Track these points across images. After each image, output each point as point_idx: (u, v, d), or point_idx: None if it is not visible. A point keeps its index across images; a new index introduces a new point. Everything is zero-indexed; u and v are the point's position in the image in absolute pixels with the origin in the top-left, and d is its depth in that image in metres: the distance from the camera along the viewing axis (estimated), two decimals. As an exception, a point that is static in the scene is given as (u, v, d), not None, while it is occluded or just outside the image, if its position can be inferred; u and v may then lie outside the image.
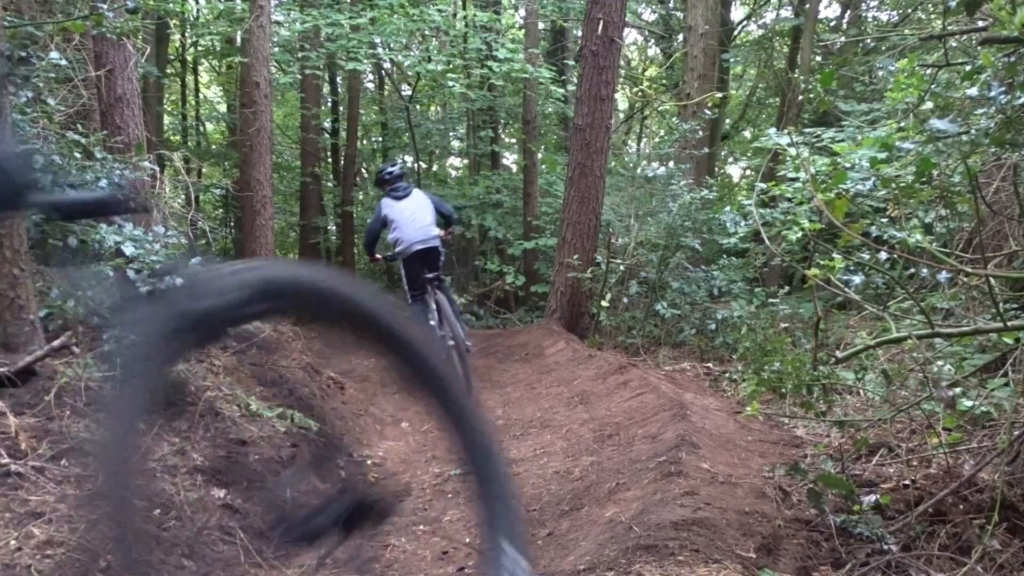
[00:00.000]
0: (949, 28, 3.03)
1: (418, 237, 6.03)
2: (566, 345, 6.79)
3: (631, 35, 15.41)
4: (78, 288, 3.98)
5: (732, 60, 13.08)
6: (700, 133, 9.43)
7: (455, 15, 12.55)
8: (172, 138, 13.46)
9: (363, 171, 15.43)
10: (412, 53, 12.31)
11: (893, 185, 2.59)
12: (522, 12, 13.82)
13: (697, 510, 2.70)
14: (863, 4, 12.13)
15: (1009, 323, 2.47)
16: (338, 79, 13.40)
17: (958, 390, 2.94)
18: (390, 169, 6.53)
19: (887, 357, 3.60)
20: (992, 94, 2.23)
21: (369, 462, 4.51)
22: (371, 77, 14.45)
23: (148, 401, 1.19)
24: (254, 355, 5.17)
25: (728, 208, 6.04)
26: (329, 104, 13.95)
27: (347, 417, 5.17)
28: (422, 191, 6.55)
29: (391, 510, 1.57)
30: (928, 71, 3.40)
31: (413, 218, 6.13)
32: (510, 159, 15.04)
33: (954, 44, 3.76)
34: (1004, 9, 2.21)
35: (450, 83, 10.99)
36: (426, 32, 12.39)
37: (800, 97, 9.61)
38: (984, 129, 2.29)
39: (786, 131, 3.75)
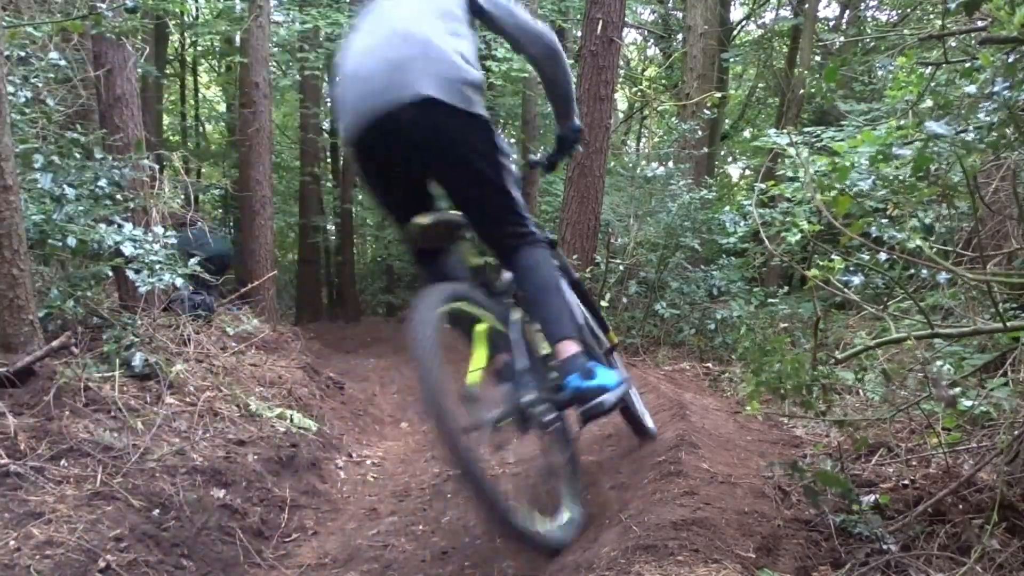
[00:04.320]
0: (948, 28, 3.03)
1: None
2: (566, 345, 6.79)
3: (630, 35, 15.41)
4: (77, 288, 3.98)
5: (731, 60, 13.08)
6: (699, 133, 9.43)
7: (454, 15, 12.54)
8: (171, 138, 13.46)
9: (363, 171, 15.42)
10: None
11: (893, 184, 2.59)
12: (521, 12, 13.81)
13: (696, 510, 2.70)
14: (862, 4, 12.13)
15: (1009, 323, 2.47)
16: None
17: (957, 390, 2.94)
18: None
19: (886, 357, 3.60)
20: (996, 89, 2.23)
21: (369, 462, 4.51)
22: (370, 77, 14.44)
23: None
24: (254, 355, 5.17)
25: (727, 208, 6.05)
26: (328, 104, 13.95)
27: (347, 417, 5.17)
28: None
29: None
30: (927, 69, 3.41)
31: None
32: (509, 159, 15.03)
33: (953, 44, 3.76)
34: (1003, 9, 2.21)
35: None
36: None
37: (800, 92, 9.63)
38: (986, 127, 2.29)
39: (786, 131, 3.75)
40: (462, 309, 2.37)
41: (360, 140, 2.44)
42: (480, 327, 2.42)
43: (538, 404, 2.46)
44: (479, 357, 2.36)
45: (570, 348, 2.43)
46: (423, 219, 2.50)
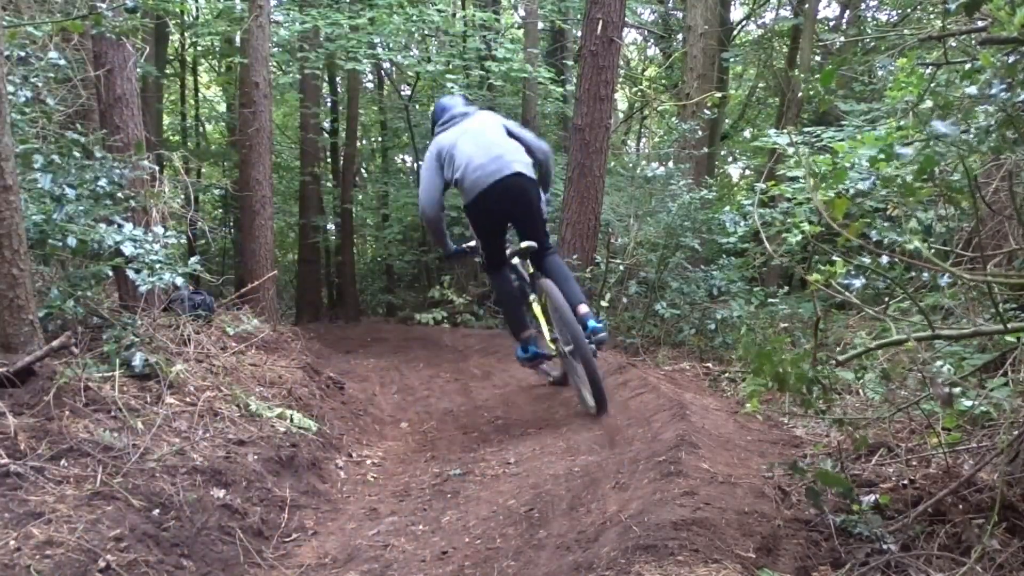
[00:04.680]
0: (948, 28, 3.03)
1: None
2: (566, 345, 6.79)
3: (630, 35, 15.40)
4: (77, 288, 3.98)
5: (731, 60, 13.07)
6: (699, 133, 9.42)
7: (454, 15, 12.55)
8: (172, 138, 13.46)
9: (363, 171, 15.42)
10: (412, 53, 12.30)
11: (893, 184, 2.59)
12: (521, 12, 13.82)
13: (696, 510, 2.70)
14: (862, 4, 12.12)
15: (1009, 324, 2.48)
16: (337, 79, 13.39)
17: (957, 390, 2.94)
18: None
19: (886, 357, 3.60)
20: (993, 91, 2.23)
21: (369, 462, 4.51)
22: (370, 77, 14.44)
23: None
24: (254, 355, 5.17)
25: (728, 208, 6.05)
26: (328, 104, 13.95)
27: (347, 417, 5.17)
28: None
29: None
30: (928, 70, 3.41)
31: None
32: (509, 159, 15.01)
33: (953, 44, 3.76)
34: (1003, 9, 2.21)
35: (449, 84, 10.99)
36: (425, 32, 12.37)
37: (800, 95, 9.62)
38: (984, 128, 2.29)
39: (786, 131, 3.75)
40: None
41: (481, 200, 4.47)
42: (535, 303, 4.77)
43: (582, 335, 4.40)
44: (543, 320, 4.72)
45: (585, 307, 4.52)
46: (524, 245, 4.68)
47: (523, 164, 4.49)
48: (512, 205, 4.51)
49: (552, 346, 4.73)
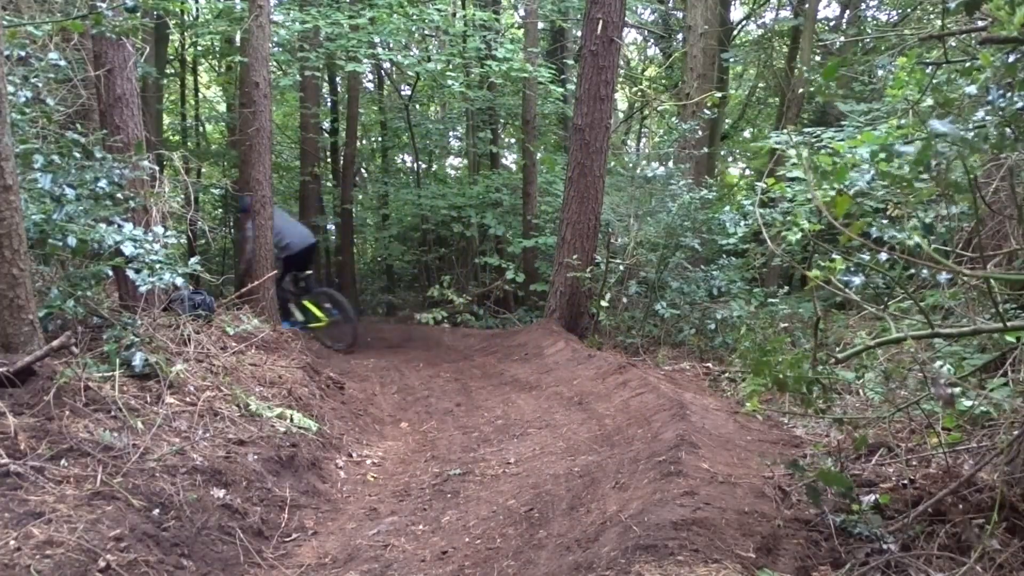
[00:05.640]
0: (948, 28, 3.03)
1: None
2: (565, 345, 6.80)
3: (630, 35, 15.40)
4: (77, 288, 3.98)
5: (732, 60, 13.06)
6: (699, 133, 9.42)
7: (454, 14, 12.54)
8: (172, 138, 13.44)
9: (363, 171, 15.42)
10: (412, 53, 12.29)
11: (893, 180, 2.59)
12: (521, 11, 13.81)
13: (696, 510, 2.70)
14: (862, 4, 12.12)
15: (1009, 323, 2.47)
16: (337, 79, 13.39)
17: (957, 390, 2.94)
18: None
19: (887, 356, 3.60)
20: (990, 97, 2.23)
21: (369, 462, 4.51)
22: (370, 77, 14.44)
23: None
24: (254, 355, 5.17)
25: (728, 208, 6.05)
26: (328, 104, 13.95)
27: (347, 417, 5.17)
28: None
29: None
30: (928, 69, 3.41)
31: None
32: (509, 159, 15.03)
33: (953, 43, 3.76)
34: (1003, 9, 2.21)
35: (449, 82, 10.98)
36: (425, 32, 12.36)
37: (800, 91, 9.61)
38: (984, 133, 2.29)
39: (785, 131, 3.75)
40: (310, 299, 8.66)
41: (297, 254, 8.29)
42: (307, 301, 8.53)
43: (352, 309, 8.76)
44: (316, 310, 8.47)
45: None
46: (307, 273, 8.66)
47: (313, 237, 8.63)
48: (308, 257, 8.49)
49: (325, 319, 8.34)
